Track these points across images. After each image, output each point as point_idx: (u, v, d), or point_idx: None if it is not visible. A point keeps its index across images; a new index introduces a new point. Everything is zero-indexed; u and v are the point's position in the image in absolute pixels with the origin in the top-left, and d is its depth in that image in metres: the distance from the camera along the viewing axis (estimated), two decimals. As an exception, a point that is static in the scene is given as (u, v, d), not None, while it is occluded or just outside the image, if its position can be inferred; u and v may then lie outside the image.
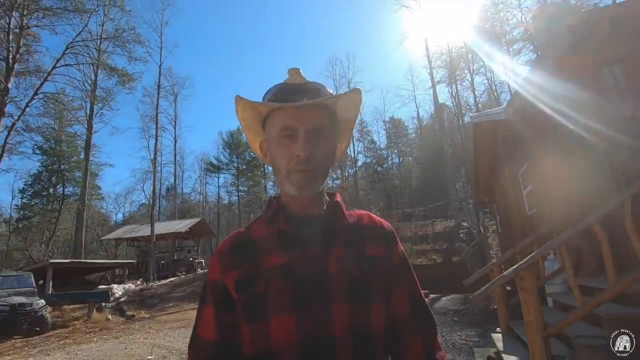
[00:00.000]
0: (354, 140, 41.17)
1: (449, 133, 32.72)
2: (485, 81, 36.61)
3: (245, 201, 41.30)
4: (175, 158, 35.41)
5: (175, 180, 37.30)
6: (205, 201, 45.30)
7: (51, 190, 25.03)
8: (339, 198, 0.77)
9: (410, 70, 34.43)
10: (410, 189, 42.34)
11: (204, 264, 23.12)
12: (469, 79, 34.74)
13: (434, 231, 18.96)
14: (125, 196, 41.44)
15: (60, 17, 17.77)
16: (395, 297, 0.73)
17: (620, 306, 2.88)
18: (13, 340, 8.60)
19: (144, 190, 32.35)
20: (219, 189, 44.35)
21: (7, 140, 16.90)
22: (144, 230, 22.71)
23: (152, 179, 23.26)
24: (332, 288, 0.64)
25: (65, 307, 12.49)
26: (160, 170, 32.21)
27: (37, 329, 9.56)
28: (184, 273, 21.10)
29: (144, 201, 43.59)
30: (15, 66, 17.23)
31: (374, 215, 0.79)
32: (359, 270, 0.67)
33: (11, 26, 17.26)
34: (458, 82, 35.20)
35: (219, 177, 44.00)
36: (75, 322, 11.09)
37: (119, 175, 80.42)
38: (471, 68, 34.25)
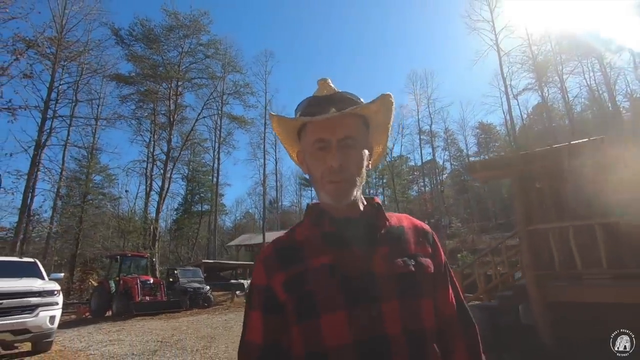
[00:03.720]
0: (440, 149, 42.49)
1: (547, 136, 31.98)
2: (583, 81, 34.70)
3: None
4: (276, 176, 41.94)
5: (277, 194, 43.98)
6: (301, 211, 51.73)
7: (193, 208, 33.39)
8: (378, 200, 0.79)
9: (496, 78, 34.50)
10: (502, 198, 41.40)
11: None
12: (559, 82, 33.59)
13: (505, 244, 20.19)
14: (236, 207, 50.48)
15: (201, 86, 24.67)
16: (443, 296, 0.76)
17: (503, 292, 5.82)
18: (196, 309, 13.97)
19: (256, 208, 39.31)
20: (312, 200, 50.20)
21: (171, 176, 24.29)
22: (257, 239, 28.82)
23: (262, 198, 29.40)
24: (380, 286, 0.65)
25: (214, 293, 18.22)
26: (265, 188, 38.84)
27: (206, 304, 14.94)
28: (287, 274, 26.32)
29: (248, 210, 52.57)
30: (175, 123, 24.68)
31: (413, 218, 0.82)
32: (406, 267, 0.69)
33: (170, 96, 24.80)
34: (549, 86, 34.34)
35: (311, 190, 50.00)
36: (224, 302, 16.44)
37: (234, 192, 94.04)
38: (560, 71, 33.10)
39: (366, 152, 0.76)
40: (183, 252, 33.52)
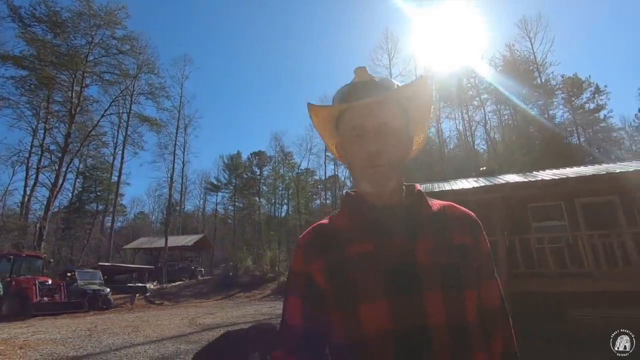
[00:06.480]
0: (343, 167, 47.24)
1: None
2: (454, 125, 43.55)
3: (240, 217, 47.02)
4: (182, 179, 41.06)
5: (180, 197, 42.89)
6: (204, 216, 51.01)
7: (87, 206, 30.76)
8: (419, 188, 0.77)
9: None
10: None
11: (203, 272, 28.60)
12: (436, 124, 41.55)
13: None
14: (131, 207, 47.42)
15: (112, 83, 23.83)
16: (488, 288, 0.73)
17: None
18: (95, 312, 14.09)
19: (156, 210, 37.72)
20: (217, 206, 50.28)
21: (67, 171, 22.66)
22: (158, 243, 28.32)
23: (168, 202, 29.04)
24: (423, 276, 0.64)
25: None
26: (172, 191, 37.90)
27: (104, 306, 15.03)
28: (187, 278, 26.53)
29: (143, 210, 50.09)
30: (76, 116, 23.20)
31: (458, 206, 0.78)
32: (449, 258, 0.67)
33: (74, 87, 23.33)
34: (430, 126, 42.32)
35: (217, 195, 49.98)
36: (124, 305, 16.57)
37: (130, 191, 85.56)
38: (438, 115, 41.01)
39: (406, 139, 0.75)
40: (66, 253, 30.52)
